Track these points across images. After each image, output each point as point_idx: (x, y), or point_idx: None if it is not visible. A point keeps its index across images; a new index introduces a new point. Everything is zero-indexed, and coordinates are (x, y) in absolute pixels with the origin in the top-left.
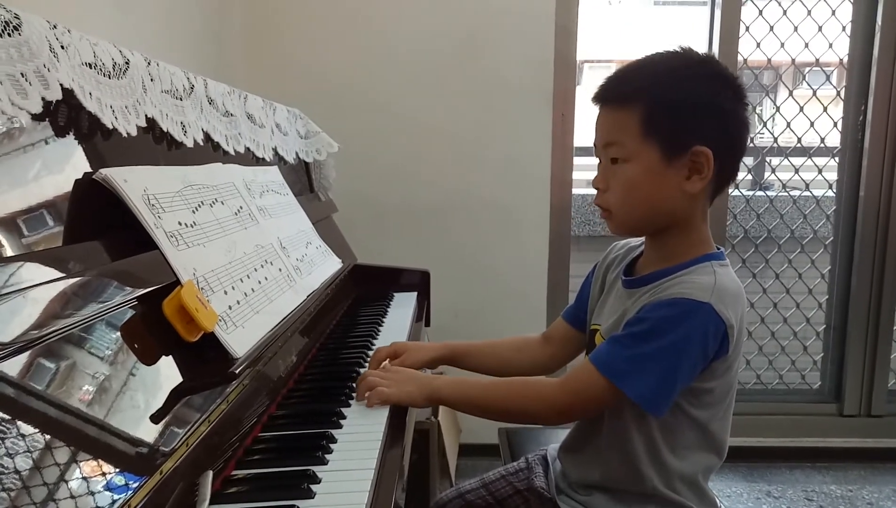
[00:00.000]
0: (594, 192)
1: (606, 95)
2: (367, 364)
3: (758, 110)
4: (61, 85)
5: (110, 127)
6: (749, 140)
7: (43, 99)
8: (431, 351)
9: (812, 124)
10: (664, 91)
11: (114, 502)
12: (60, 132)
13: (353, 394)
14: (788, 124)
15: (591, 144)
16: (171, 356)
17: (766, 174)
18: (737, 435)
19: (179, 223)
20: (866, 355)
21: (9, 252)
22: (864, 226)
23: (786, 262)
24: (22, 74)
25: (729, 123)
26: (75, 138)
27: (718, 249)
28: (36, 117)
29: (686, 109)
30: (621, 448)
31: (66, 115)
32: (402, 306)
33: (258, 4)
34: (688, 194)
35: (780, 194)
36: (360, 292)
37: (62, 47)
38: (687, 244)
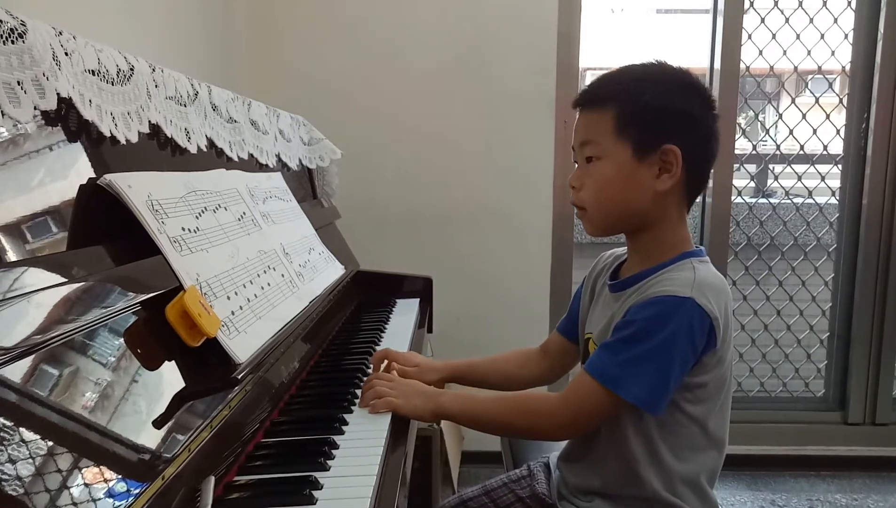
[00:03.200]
0: None
1: (584, 99)
2: (369, 371)
3: (760, 118)
4: (59, 94)
5: (108, 135)
6: (718, 149)
7: (36, 108)
8: (438, 373)
9: (815, 132)
10: (637, 94)
11: None
12: (65, 138)
13: (356, 400)
14: (791, 132)
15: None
16: (173, 362)
17: (769, 182)
18: (740, 443)
19: (183, 229)
20: (870, 362)
21: (13, 257)
22: (868, 233)
23: (789, 269)
24: (18, 83)
25: (698, 128)
26: (80, 144)
27: (698, 247)
28: (44, 123)
29: (657, 111)
30: (620, 452)
31: (70, 121)
32: (405, 313)
33: (262, 12)
34: (658, 192)
35: (783, 201)
36: (362, 298)
37: (66, 54)
38: (665, 245)
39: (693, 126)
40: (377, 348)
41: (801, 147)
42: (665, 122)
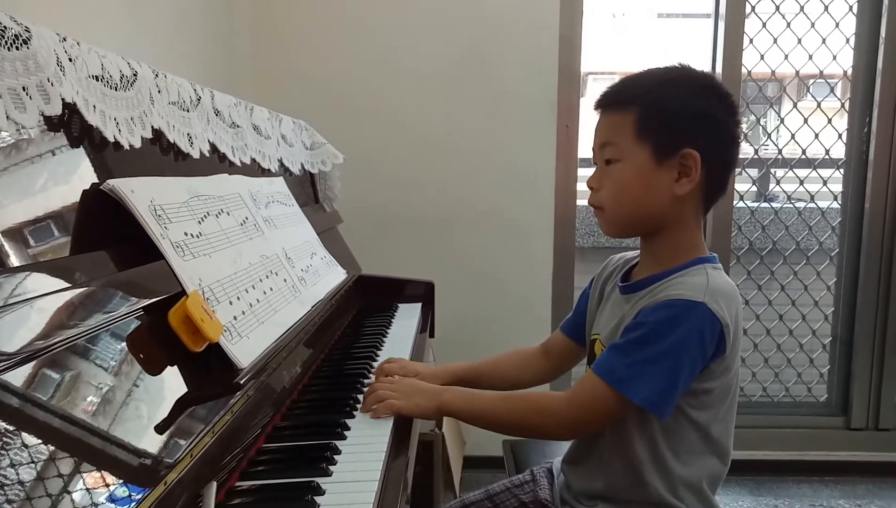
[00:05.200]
0: None
1: (606, 101)
2: (371, 375)
3: (762, 122)
4: (63, 99)
5: (112, 140)
6: (739, 155)
7: (42, 114)
8: (438, 380)
9: (817, 136)
10: (658, 97)
11: None
12: (68, 143)
13: (358, 405)
14: (793, 136)
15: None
16: (175, 367)
17: (771, 186)
18: (743, 448)
19: (185, 234)
20: (873, 367)
21: (15, 262)
22: (870, 237)
23: (791, 274)
24: (24, 88)
25: (718, 133)
26: (83, 149)
27: (712, 254)
28: (48, 128)
29: (677, 115)
30: (624, 455)
31: (73, 126)
32: (407, 318)
33: (265, 18)
34: (677, 196)
35: (785, 205)
36: (364, 302)
37: (70, 60)
38: (679, 249)
39: (714, 130)
40: (379, 353)
41: (803, 151)
42: (685, 125)
